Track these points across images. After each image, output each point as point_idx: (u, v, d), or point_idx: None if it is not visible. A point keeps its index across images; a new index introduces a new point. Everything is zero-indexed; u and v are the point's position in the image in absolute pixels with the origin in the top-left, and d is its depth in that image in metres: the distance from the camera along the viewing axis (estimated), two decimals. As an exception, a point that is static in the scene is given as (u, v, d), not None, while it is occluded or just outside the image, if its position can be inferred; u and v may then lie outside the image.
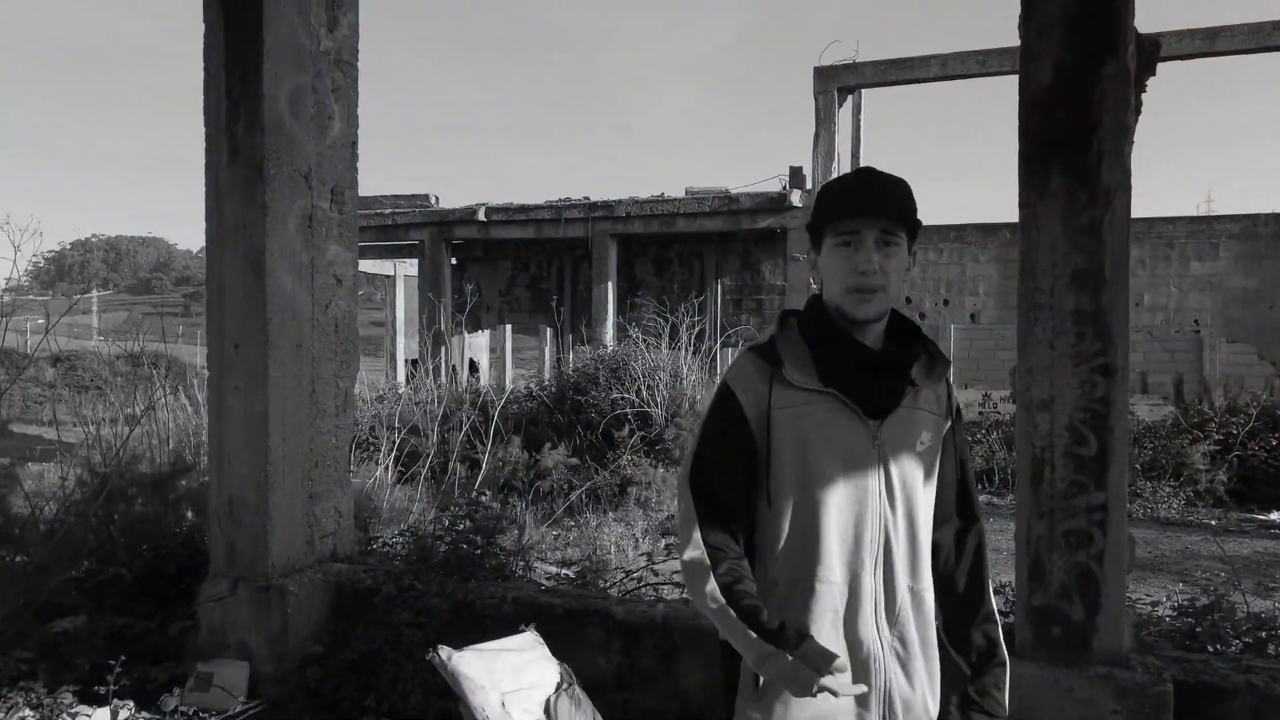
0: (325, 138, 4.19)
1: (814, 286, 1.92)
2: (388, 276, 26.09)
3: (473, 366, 25.88)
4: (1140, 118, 3.05)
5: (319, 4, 4.12)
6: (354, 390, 4.40)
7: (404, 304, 25.04)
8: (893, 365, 1.74)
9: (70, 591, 4.10)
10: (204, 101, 4.02)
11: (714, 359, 17.86)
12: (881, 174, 1.74)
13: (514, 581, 4.08)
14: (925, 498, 1.78)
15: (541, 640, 2.97)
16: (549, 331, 21.00)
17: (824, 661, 1.50)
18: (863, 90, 15.48)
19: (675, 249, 19.81)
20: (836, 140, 14.45)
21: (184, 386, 7.71)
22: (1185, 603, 3.40)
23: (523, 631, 2.98)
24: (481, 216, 16.29)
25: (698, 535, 1.70)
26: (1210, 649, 3.29)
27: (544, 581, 4.60)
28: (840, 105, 14.35)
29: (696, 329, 12.48)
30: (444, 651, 2.61)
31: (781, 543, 1.73)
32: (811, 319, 1.79)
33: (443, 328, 15.00)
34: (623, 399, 11.01)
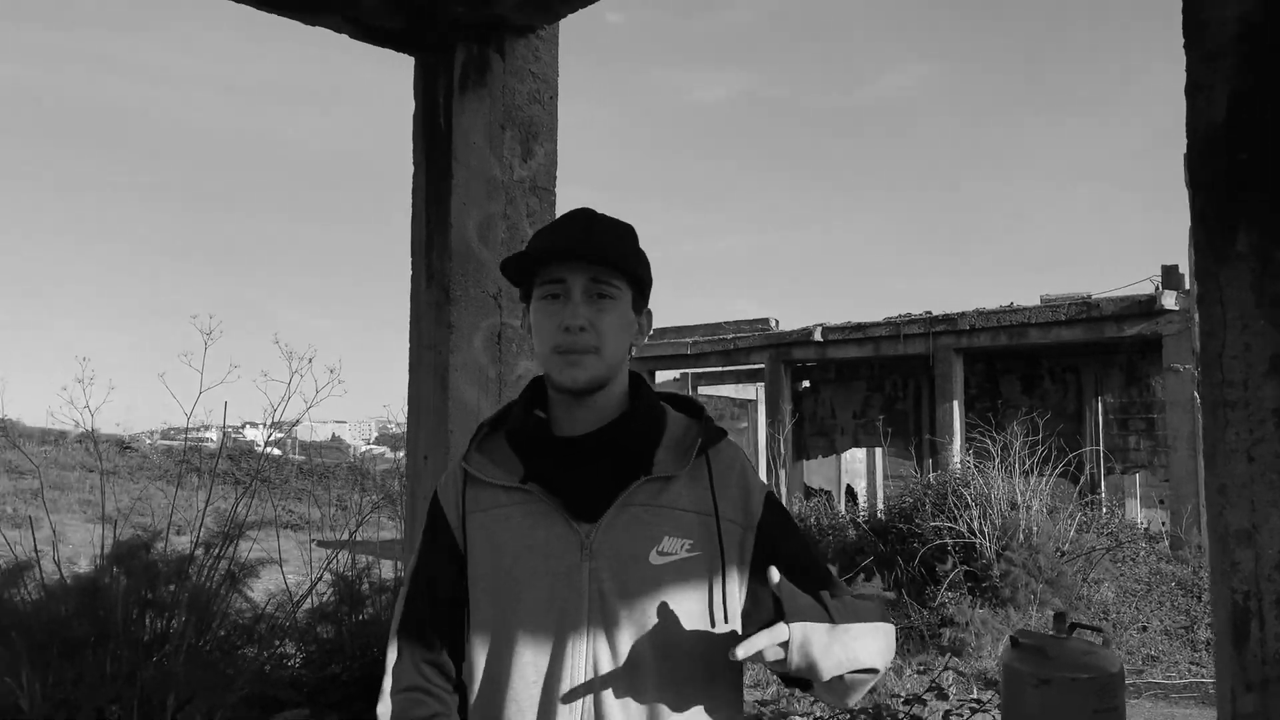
0: (518, 260, 4.39)
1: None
2: (749, 400, 26.71)
3: (850, 493, 25.38)
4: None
5: (513, 137, 4.39)
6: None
7: (764, 428, 25.39)
8: (607, 450, 1.37)
9: (291, 686, 4.46)
10: (411, 234, 4.41)
11: (1091, 485, 15.93)
12: (597, 215, 1.43)
13: None
14: (679, 629, 1.32)
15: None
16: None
17: None
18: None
19: (1045, 364, 18.20)
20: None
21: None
22: None
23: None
24: (818, 337, 16.18)
25: (387, 684, 1.43)
26: None
27: None
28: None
29: (1041, 451, 11.17)
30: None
31: (477, 682, 1.38)
32: (522, 399, 1.45)
33: (780, 453, 14.90)
34: (947, 529, 10.08)
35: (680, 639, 1.32)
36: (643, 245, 1.47)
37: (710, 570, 1.35)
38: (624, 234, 1.42)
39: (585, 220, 1.41)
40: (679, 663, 1.33)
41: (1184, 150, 2.45)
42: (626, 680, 1.31)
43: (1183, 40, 2.46)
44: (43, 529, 5.34)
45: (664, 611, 1.32)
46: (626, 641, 1.32)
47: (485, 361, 4.23)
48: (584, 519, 1.34)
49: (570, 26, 4.38)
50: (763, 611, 1.34)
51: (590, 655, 1.32)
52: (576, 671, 1.31)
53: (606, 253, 1.37)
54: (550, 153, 4.53)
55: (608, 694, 1.31)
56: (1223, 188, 2.36)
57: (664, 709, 1.32)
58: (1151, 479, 17.02)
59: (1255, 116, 2.31)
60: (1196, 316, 2.44)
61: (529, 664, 1.34)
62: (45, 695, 3.98)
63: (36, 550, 4.60)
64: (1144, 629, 9.25)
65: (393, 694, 1.42)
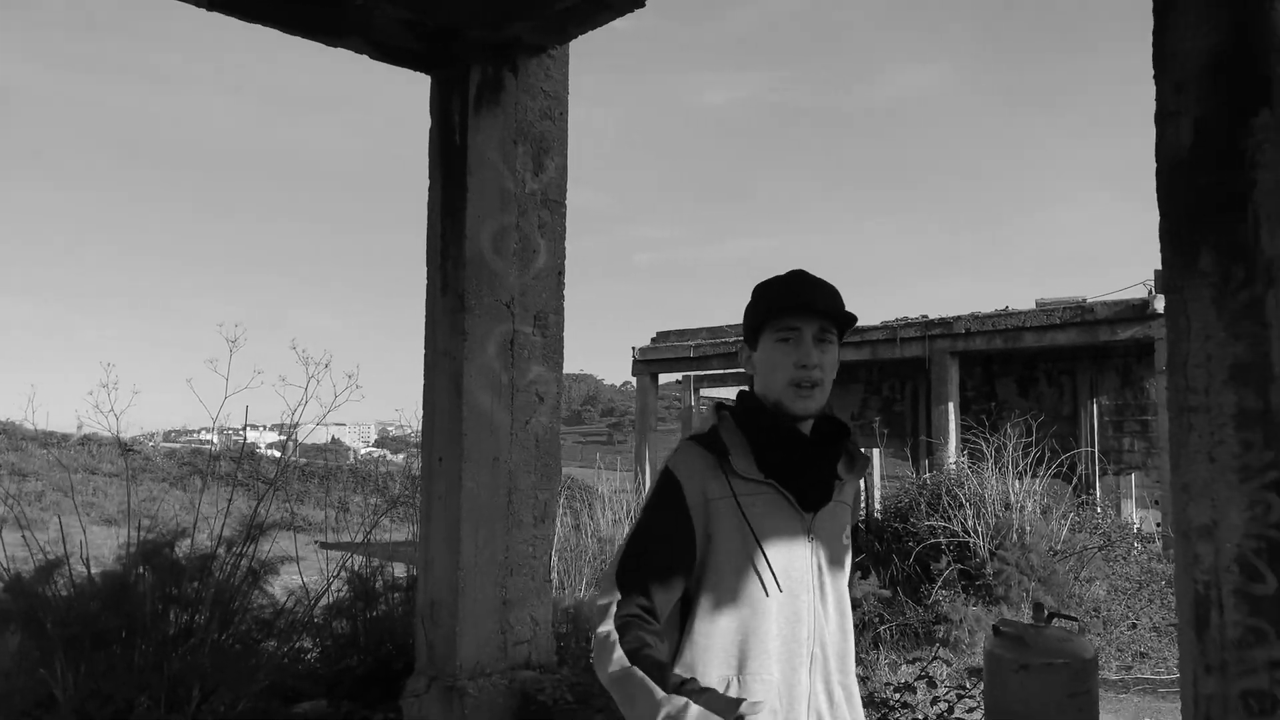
0: (529, 270, 4.58)
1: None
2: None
3: (849, 494, 25.58)
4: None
5: (525, 152, 4.59)
6: (555, 502, 4.63)
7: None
8: (825, 458, 1.78)
9: (310, 678, 4.65)
10: (426, 244, 4.61)
11: (1086, 486, 16.09)
12: (815, 275, 1.81)
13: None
14: (846, 591, 1.85)
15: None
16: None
17: (729, 709, 1.51)
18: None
19: (1042, 366, 18.40)
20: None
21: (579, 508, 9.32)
22: None
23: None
24: (816, 341, 16.38)
25: (614, 609, 1.67)
26: None
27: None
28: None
29: (1035, 453, 11.37)
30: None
31: (715, 638, 1.70)
32: (747, 410, 1.80)
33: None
34: (942, 528, 10.28)
35: (847, 597, 1.84)
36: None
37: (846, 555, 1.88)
38: (837, 294, 1.81)
39: (812, 279, 1.80)
40: (849, 619, 1.83)
41: (1155, 171, 2.65)
42: (834, 630, 1.78)
43: (1153, 71, 2.66)
44: (49, 531, 5.53)
45: (843, 577, 1.84)
46: (830, 599, 1.78)
47: (498, 367, 4.42)
48: (807, 509, 1.76)
49: (579, 37, 4.58)
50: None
51: (814, 609, 1.75)
52: (810, 620, 1.74)
53: (831, 307, 1.77)
54: (561, 166, 4.73)
55: (827, 636, 1.76)
56: (1188, 209, 2.56)
57: (846, 653, 1.80)
58: (1146, 480, 17.23)
59: (1218, 144, 2.51)
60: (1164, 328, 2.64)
61: (774, 614, 1.71)
62: (78, 685, 4.17)
63: (65, 549, 4.79)
64: (1134, 626, 9.45)
65: (615, 619, 1.66)
